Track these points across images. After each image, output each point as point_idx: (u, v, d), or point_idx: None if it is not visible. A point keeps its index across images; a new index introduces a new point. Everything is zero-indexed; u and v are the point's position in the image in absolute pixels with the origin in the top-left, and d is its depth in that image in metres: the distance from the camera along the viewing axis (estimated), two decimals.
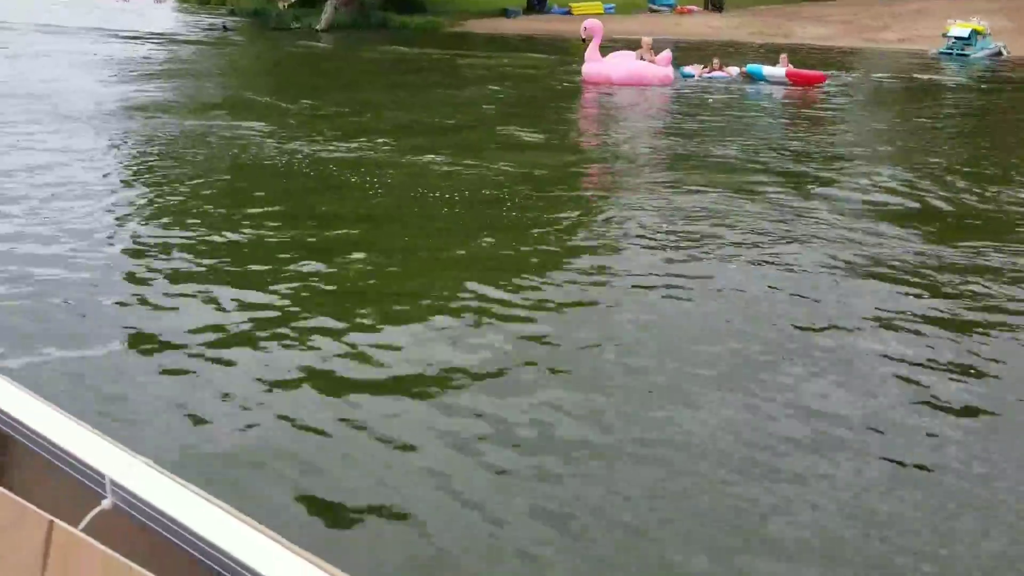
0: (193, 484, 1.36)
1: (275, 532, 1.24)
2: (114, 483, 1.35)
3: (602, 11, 34.02)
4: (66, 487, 1.43)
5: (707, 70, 16.97)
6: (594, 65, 15.85)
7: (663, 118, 12.49)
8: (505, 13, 36.13)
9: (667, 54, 15.95)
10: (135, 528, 1.33)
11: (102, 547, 1.21)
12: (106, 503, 1.36)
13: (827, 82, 16.13)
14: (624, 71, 15.52)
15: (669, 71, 15.76)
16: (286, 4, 34.53)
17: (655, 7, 37.42)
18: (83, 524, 1.32)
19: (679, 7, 37.00)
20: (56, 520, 1.27)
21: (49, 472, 1.47)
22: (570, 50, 22.62)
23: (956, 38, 23.76)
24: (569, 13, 35.23)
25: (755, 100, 14.55)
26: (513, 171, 8.12)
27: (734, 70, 16.94)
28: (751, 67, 16.71)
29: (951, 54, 23.56)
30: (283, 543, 1.21)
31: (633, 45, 16.78)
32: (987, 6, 27.28)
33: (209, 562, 1.23)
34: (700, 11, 36.93)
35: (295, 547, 1.21)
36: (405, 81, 16.65)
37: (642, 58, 15.87)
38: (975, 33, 23.51)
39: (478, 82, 16.23)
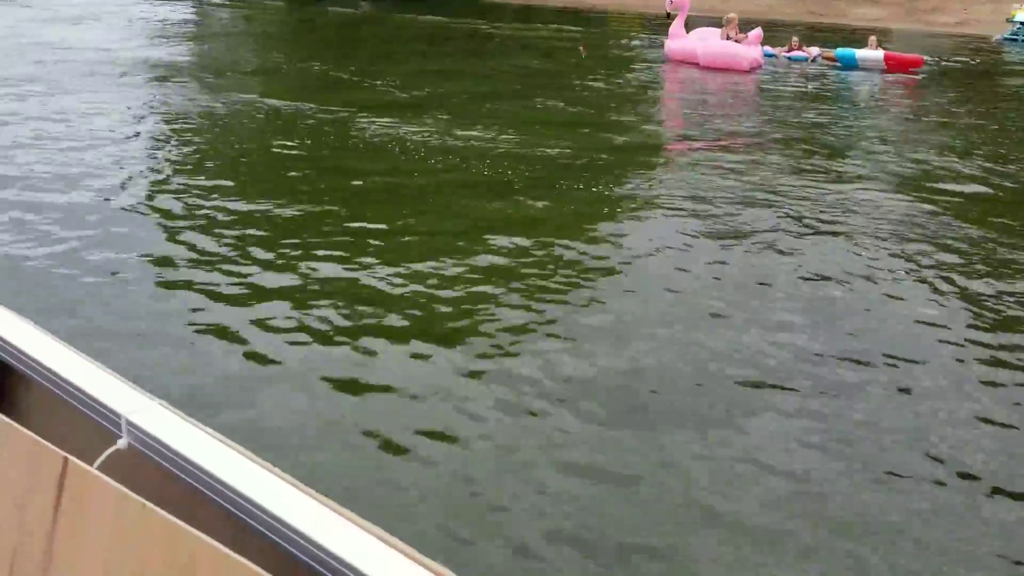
0: (209, 427, 1.34)
1: (292, 477, 1.22)
2: (130, 423, 1.35)
3: None
4: (81, 426, 1.44)
5: (785, 50, 16.02)
6: (679, 42, 14.85)
7: (762, 105, 11.57)
8: None
9: (758, 32, 14.77)
10: (150, 468, 1.32)
11: (117, 485, 1.20)
12: (121, 443, 1.35)
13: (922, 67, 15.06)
14: (713, 51, 14.27)
15: (760, 53, 14.73)
16: None
17: None
18: (98, 463, 1.30)
19: None
20: (71, 457, 1.26)
21: (64, 410, 1.48)
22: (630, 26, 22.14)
23: (1022, 23, 22.76)
24: None
25: (859, 87, 13.47)
26: (593, 148, 8.04)
27: (814, 50, 16.00)
28: (842, 51, 15.40)
29: (1017, 40, 22.48)
30: (299, 486, 1.20)
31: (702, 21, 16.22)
32: None
33: (223, 502, 1.21)
34: None
35: (310, 490, 1.19)
36: (456, 52, 16.50)
37: (728, 37, 14.67)
38: None
39: (543, 57, 15.75)
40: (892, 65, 14.89)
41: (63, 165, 6.57)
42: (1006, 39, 22.97)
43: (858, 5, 30.99)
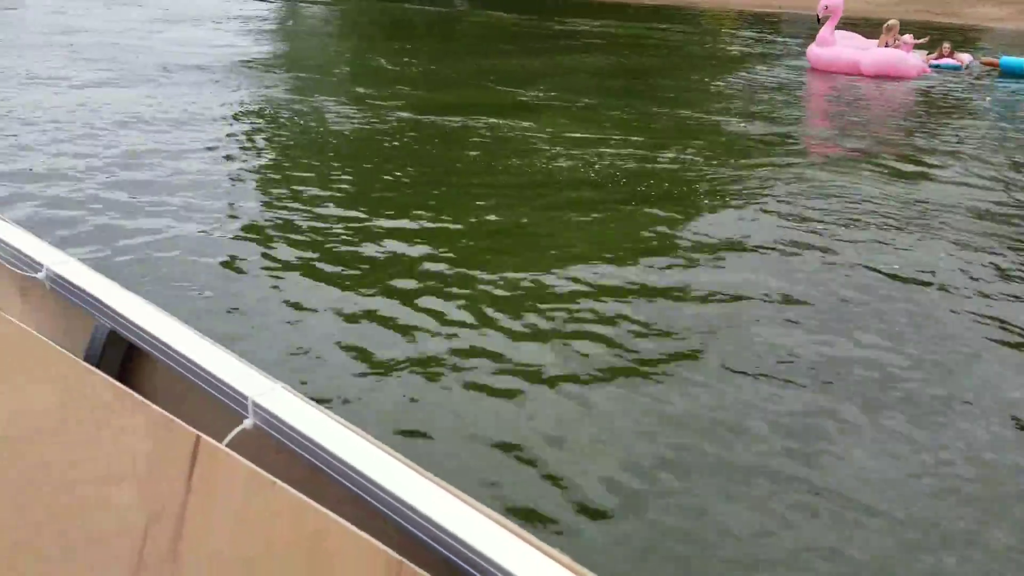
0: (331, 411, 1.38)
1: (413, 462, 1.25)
2: (256, 404, 1.39)
3: None
4: (208, 406, 1.49)
5: (935, 56, 14.79)
6: (830, 50, 13.75)
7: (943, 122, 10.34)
8: None
9: (910, 38, 13.95)
10: (277, 449, 1.37)
11: (247, 462, 1.25)
12: (248, 423, 1.40)
13: None
14: (880, 59, 13.31)
15: (922, 59, 13.94)
16: None
17: None
18: (226, 441, 1.36)
19: None
20: (202, 435, 1.31)
21: (191, 391, 1.53)
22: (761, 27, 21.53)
23: None
24: None
25: None
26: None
27: (967, 57, 15.00)
28: (1008, 60, 14.14)
29: None
30: (418, 469, 1.23)
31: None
32: None
33: (345, 482, 1.25)
34: None
35: (429, 472, 1.21)
36: (579, 54, 15.83)
37: (887, 44, 13.77)
38: None
39: (681, 65, 15.00)
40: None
41: (172, 153, 6.89)
42: None
43: (978, 4, 29.64)
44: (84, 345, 1.73)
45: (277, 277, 4.58)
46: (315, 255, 4.92)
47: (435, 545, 1.14)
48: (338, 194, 6.20)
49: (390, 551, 1.09)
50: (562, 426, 3.26)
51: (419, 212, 5.76)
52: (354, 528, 1.12)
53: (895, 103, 11.72)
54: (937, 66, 14.51)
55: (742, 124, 9.52)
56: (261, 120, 8.66)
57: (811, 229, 5.85)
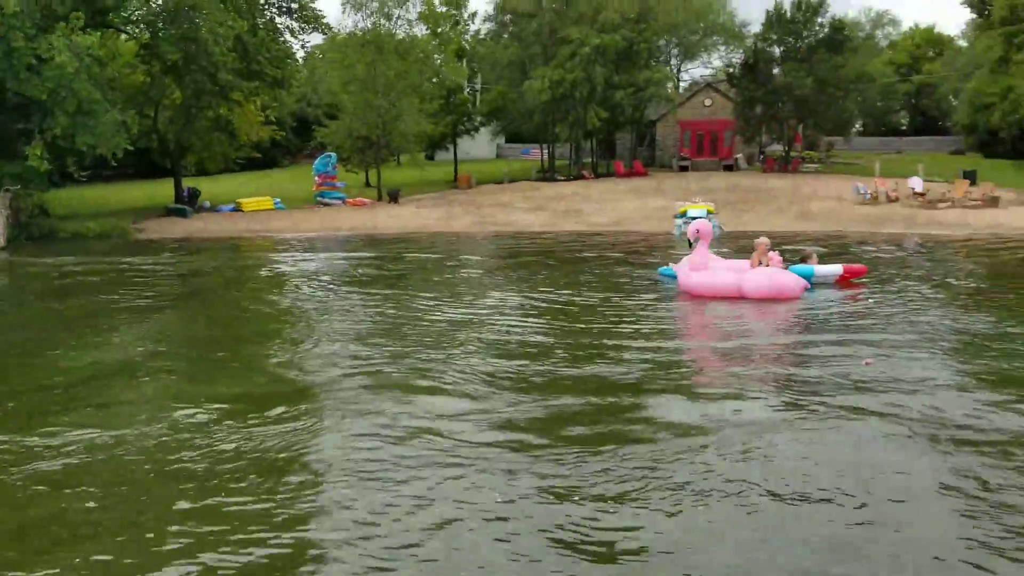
0: None
1: None
2: None
3: (272, 206, 34.74)
4: None
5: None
6: (707, 274, 13.42)
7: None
8: (180, 211, 33.00)
9: (778, 256, 13.92)
10: None
11: None
12: None
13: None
14: (765, 282, 12.94)
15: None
16: None
17: (325, 200, 36.67)
18: None
19: (350, 200, 36.74)
20: None
21: None
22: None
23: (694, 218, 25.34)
24: (237, 210, 34.14)
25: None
26: None
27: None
28: (798, 268, 14.09)
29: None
30: None
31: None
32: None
33: None
34: (374, 203, 36.41)
35: None
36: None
37: (760, 263, 13.62)
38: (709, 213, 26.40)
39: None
40: (845, 277, 14.33)
41: None
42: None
43: (514, 213, 30.57)
44: None
45: None
46: None
47: None
48: None
49: None
50: None
51: None
52: None
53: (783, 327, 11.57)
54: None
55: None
56: None
57: None
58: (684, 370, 9.25)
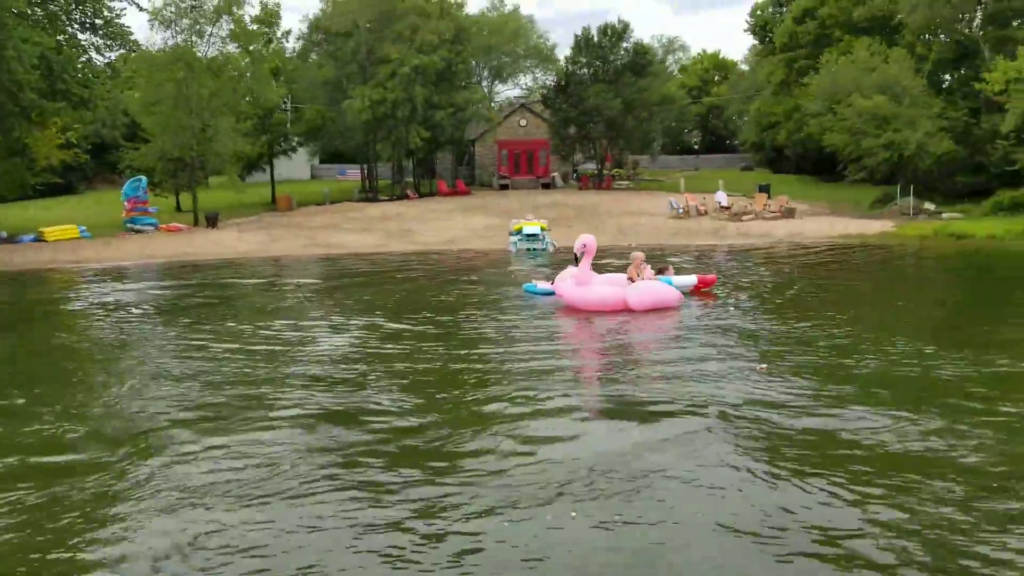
0: None
1: None
2: None
3: (78, 234, 32.83)
4: None
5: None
6: (589, 290, 13.89)
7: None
8: None
9: (649, 268, 14.69)
10: None
11: None
12: None
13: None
14: (648, 294, 13.65)
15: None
16: None
17: (136, 227, 34.83)
18: None
19: (164, 225, 35.28)
20: None
21: None
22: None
23: (529, 235, 27.59)
24: (40, 239, 31.82)
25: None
26: None
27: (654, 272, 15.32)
28: (665, 279, 14.95)
29: (531, 249, 27.16)
30: None
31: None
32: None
33: None
34: (190, 228, 35.30)
35: None
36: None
37: (631, 279, 14.16)
38: (543, 230, 27.86)
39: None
40: (700, 286, 15.51)
41: None
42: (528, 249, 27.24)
43: (343, 235, 32.64)
44: None
45: None
46: None
47: None
48: None
49: None
50: None
51: None
52: None
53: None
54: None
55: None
56: None
57: None
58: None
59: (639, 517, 5.61)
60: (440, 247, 29.88)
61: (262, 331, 13.11)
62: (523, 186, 50.86)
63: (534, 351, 10.92)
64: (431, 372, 10.00)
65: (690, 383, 9.00)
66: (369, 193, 46.68)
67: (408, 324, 13.42)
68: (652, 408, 8.14)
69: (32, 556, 5.40)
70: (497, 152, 54.19)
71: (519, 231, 27.98)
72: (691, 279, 15.56)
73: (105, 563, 5.28)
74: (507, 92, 61.28)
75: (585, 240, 14.07)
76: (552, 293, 15.17)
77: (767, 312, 13.95)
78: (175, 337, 12.99)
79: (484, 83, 61.06)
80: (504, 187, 50.82)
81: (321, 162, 64.04)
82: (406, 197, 45.71)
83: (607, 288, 14.04)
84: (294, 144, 47.35)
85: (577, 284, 14.02)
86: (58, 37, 29.55)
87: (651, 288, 13.89)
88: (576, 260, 14.28)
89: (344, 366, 10.49)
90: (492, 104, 52.21)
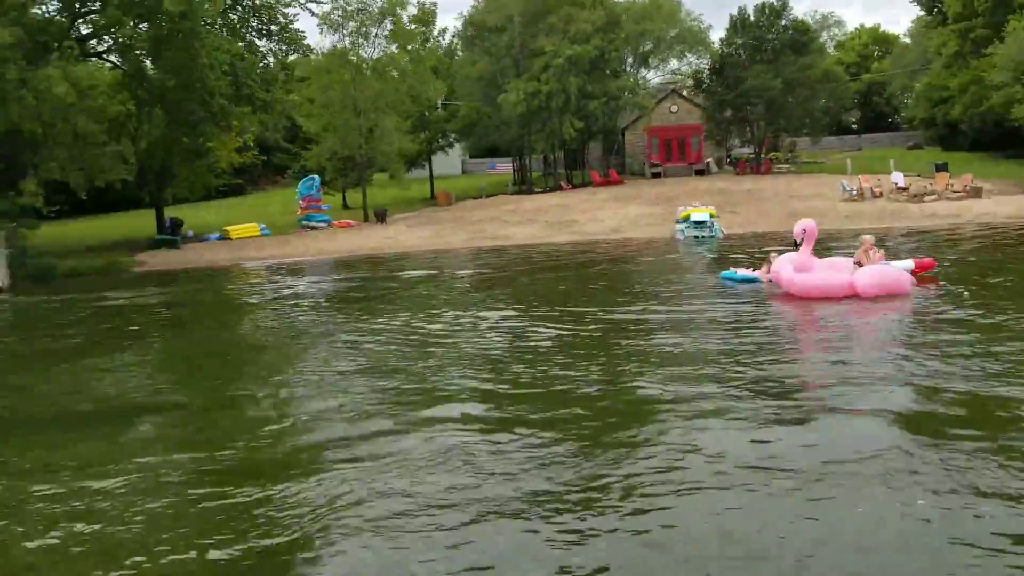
0: None
1: None
2: None
3: (259, 232, 34.55)
4: None
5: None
6: (812, 276, 13.50)
7: None
8: (170, 242, 32.57)
9: (880, 252, 14.08)
10: None
11: None
12: None
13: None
14: (878, 279, 13.08)
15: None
16: None
17: (310, 224, 36.48)
18: None
19: (336, 222, 36.76)
20: None
21: None
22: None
23: (698, 222, 27.29)
24: (224, 238, 34.12)
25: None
26: None
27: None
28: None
29: (699, 237, 26.78)
30: None
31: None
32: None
33: None
34: (359, 224, 36.57)
35: None
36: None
37: (859, 263, 13.72)
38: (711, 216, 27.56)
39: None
40: (918, 270, 14.72)
41: None
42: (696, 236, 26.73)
43: (508, 227, 31.54)
44: None
45: None
46: None
47: None
48: None
49: None
50: None
51: None
52: None
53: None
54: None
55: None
56: None
57: None
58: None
59: None
60: (603, 236, 29.99)
61: (480, 321, 13.66)
62: (676, 173, 50.19)
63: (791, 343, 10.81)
64: (699, 363, 10.09)
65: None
66: (523, 186, 47.30)
67: (628, 313, 13.58)
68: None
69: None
70: (647, 140, 53.70)
71: (687, 218, 27.71)
72: (907, 263, 14.90)
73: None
74: (654, 79, 60.62)
75: (805, 224, 13.72)
76: (754, 280, 14.95)
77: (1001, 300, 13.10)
78: (387, 326, 13.71)
79: (629, 70, 60.63)
80: (656, 175, 50.32)
81: (471, 157, 65.36)
82: (559, 188, 46.01)
83: (831, 273, 13.64)
84: (451, 140, 48.51)
85: (798, 270, 13.63)
86: (239, 44, 31.47)
87: (881, 272, 13.33)
88: (796, 246, 13.90)
89: (581, 354, 10.75)
90: (642, 91, 51.73)
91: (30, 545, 5.99)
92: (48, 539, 6.04)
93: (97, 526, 6.18)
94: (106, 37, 28.54)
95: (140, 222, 39.39)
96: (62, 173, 24.70)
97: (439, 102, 45.38)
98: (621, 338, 11.53)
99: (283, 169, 60.18)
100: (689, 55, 52.30)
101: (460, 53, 49.63)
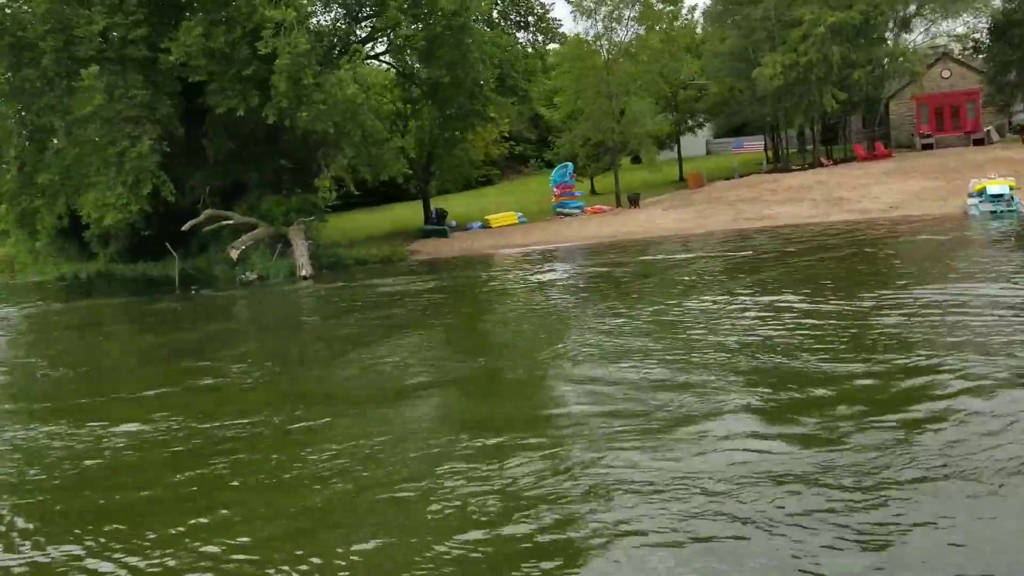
0: None
1: None
2: None
3: (516, 220, 35.61)
4: None
5: None
6: None
7: None
8: (440, 232, 34.31)
9: None
10: None
11: None
12: None
13: None
14: None
15: None
16: (236, 251, 27.18)
17: (565, 211, 36.52)
18: None
19: (589, 208, 36.75)
20: None
21: None
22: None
23: (995, 195, 24.86)
24: (486, 227, 35.18)
25: None
26: None
27: None
28: None
29: (996, 212, 24.30)
30: None
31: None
32: None
33: None
34: (613, 209, 36.26)
35: None
36: None
37: None
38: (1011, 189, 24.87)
39: None
40: None
41: None
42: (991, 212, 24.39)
43: (773, 206, 27.84)
44: None
45: None
46: None
47: None
48: None
49: None
50: None
51: None
52: None
53: None
54: None
55: None
56: None
57: None
58: None
59: None
60: (880, 214, 28.09)
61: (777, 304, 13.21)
62: (950, 144, 46.09)
63: None
64: None
65: None
66: (778, 163, 45.39)
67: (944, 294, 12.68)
68: None
69: None
70: (915, 109, 49.73)
71: (981, 191, 25.30)
72: None
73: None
74: (918, 42, 55.99)
75: None
76: None
77: None
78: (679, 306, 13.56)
79: (888, 35, 56.45)
80: (927, 146, 46.49)
81: (715, 137, 63.77)
82: (820, 165, 43.68)
83: None
84: (700, 120, 47.52)
85: None
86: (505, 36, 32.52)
87: None
88: None
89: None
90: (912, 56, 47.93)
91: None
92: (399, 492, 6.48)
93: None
94: (381, 39, 30.48)
95: (405, 214, 41.92)
96: (351, 170, 26.73)
97: (689, 80, 44.52)
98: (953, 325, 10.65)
99: (526, 159, 61.73)
100: (964, 15, 47.76)
101: (700, 31, 48.43)
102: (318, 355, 13.96)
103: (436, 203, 39.29)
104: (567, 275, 20.81)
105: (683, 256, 22.06)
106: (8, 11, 24.98)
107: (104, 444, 8.82)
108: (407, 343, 13.36)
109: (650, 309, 14.02)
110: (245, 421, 9.28)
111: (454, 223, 36.61)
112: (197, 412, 9.82)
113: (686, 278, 17.63)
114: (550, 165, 60.43)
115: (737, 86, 44.59)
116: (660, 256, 22.62)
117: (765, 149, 49.40)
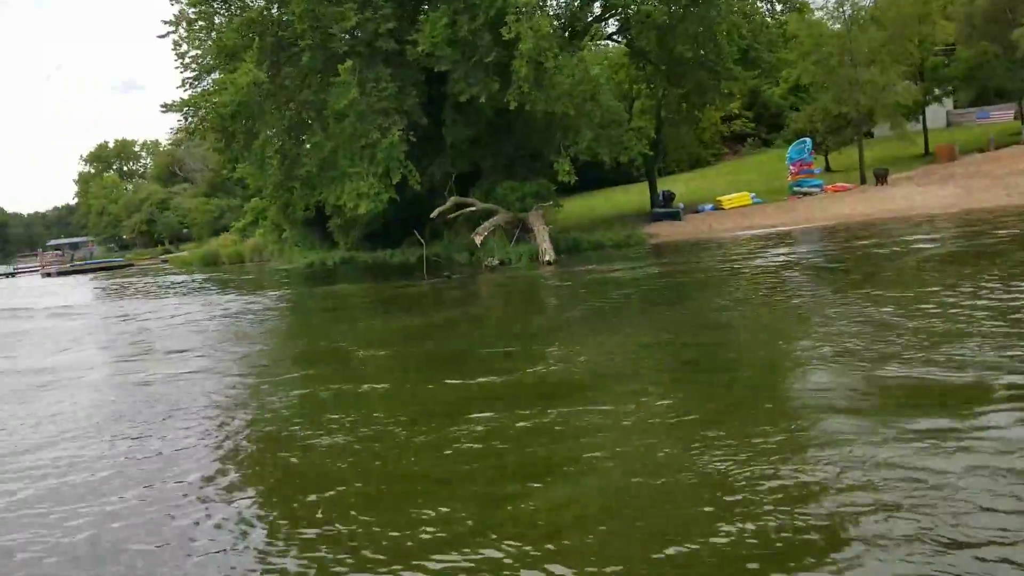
0: None
1: None
2: None
3: (750, 201, 34.33)
4: None
5: None
6: None
7: None
8: (672, 215, 33.49)
9: None
10: None
11: None
12: None
13: None
14: None
15: None
16: (480, 237, 27.46)
17: (802, 189, 34.83)
18: None
19: (829, 186, 34.90)
20: None
21: None
22: None
23: None
24: (717, 208, 34.07)
25: None
26: None
27: None
28: None
29: None
30: None
31: None
32: None
33: None
34: (857, 187, 34.03)
35: None
36: None
37: None
38: None
39: None
40: None
41: None
42: None
43: None
44: None
45: None
46: None
47: None
48: None
49: None
50: None
51: None
52: None
53: None
54: None
55: None
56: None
57: None
58: None
59: None
60: None
61: None
62: None
63: None
64: None
65: None
66: None
67: None
68: None
69: None
70: None
71: None
72: None
73: None
74: None
75: None
76: None
77: None
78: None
79: None
80: None
81: (955, 107, 58.62)
82: None
83: None
84: (948, 89, 43.73)
85: None
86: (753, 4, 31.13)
87: None
88: None
89: None
90: None
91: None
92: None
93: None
94: (614, 18, 30.00)
95: (628, 197, 41.30)
96: (591, 152, 26.48)
97: (939, 48, 40.96)
98: None
99: (743, 137, 59.42)
100: None
101: None
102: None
103: (660, 185, 38.46)
104: (878, 258, 19.03)
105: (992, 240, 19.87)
106: (272, 12, 26.59)
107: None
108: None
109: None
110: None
111: (682, 205, 35.62)
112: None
113: None
114: (767, 144, 57.87)
115: (992, 49, 40.58)
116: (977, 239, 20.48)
117: (1018, 118, 44.73)
